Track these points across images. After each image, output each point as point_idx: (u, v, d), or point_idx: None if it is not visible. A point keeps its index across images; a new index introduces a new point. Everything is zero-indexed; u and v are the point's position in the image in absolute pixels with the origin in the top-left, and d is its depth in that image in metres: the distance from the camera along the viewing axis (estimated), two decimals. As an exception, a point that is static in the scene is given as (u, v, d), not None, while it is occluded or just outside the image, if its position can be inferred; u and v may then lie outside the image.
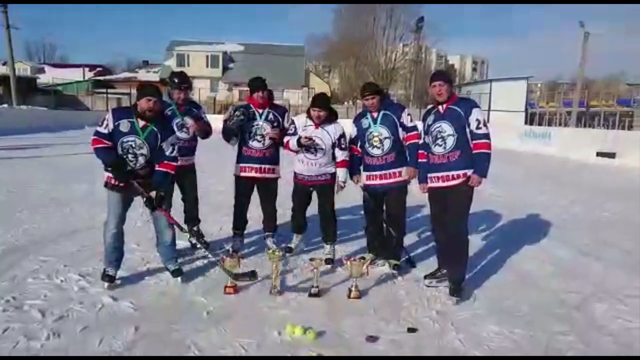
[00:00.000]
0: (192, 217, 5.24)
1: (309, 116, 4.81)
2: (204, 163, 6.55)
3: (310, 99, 4.92)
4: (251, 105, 4.99)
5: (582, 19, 30.26)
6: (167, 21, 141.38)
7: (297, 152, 4.86)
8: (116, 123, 4.05)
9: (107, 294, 3.96)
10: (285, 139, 4.91)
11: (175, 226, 4.36)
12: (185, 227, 4.81)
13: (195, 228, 5.24)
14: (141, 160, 4.12)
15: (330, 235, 5.04)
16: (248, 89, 5.06)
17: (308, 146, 4.73)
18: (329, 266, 4.77)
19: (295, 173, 4.98)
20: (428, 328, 3.56)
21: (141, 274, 4.51)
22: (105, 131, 4.04)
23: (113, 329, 3.38)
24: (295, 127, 4.90)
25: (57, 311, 3.62)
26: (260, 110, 4.98)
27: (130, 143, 4.07)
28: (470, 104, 4.17)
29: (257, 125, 4.96)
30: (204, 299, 3.98)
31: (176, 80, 4.90)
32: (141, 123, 4.08)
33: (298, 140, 4.73)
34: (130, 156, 4.08)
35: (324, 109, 4.74)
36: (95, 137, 4.07)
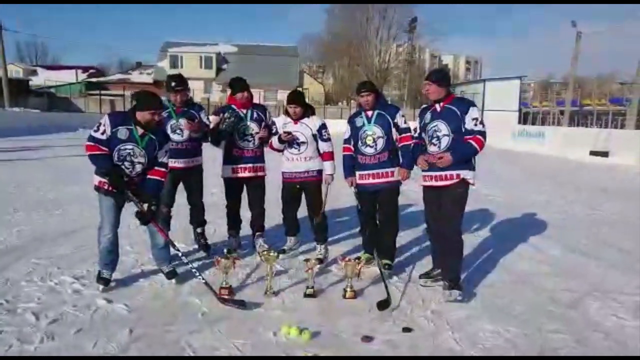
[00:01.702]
0: (198, 220, 5.21)
1: (287, 114, 4.89)
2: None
3: (287, 95, 4.98)
4: (233, 106, 5.01)
5: (573, 18, 30.44)
6: (161, 22, 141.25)
7: (281, 150, 4.93)
8: (114, 130, 3.96)
9: (101, 297, 3.94)
10: (270, 140, 4.97)
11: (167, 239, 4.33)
12: (177, 247, 4.77)
13: (199, 230, 5.22)
14: (138, 168, 4.07)
15: (320, 235, 5.05)
16: (242, 85, 5.04)
17: (290, 141, 4.80)
18: (324, 266, 4.78)
19: (283, 173, 5.02)
20: (423, 327, 3.56)
21: (135, 276, 4.50)
22: (103, 137, 3.94)
23: (107, 332, 3.36)
24: (276, 127, 4.96)
25: (51, 314, 3.60)
26: (244, 110, 5.01)
27: (128, 151, 4.00)
28: (468, 104, 4.17)
29: (246, 125, 4.99)
30: (199, 300, 3.96)
31: (172, 84, 4.88)
32: (140, 131, 4.01)
33: (279, 137, 4.80)
34: (126, 164, 4.02)
35: (299, 104, 4.83)
36: (90, 142, 3.95)
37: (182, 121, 4.90)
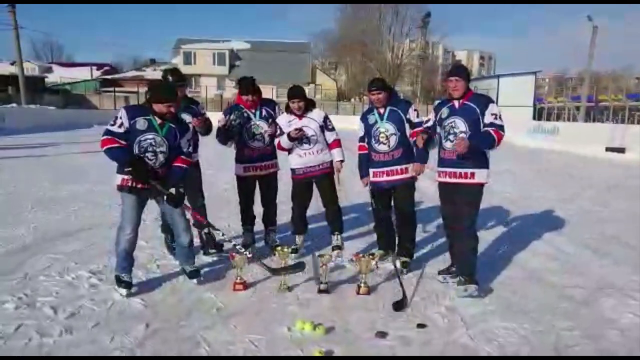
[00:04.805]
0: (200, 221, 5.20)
1: (289, 111, 4.88)
2: (209, 158, 6.56)
3: (287, 94, 4.96)
4: (242, 106, 4.99)
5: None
6: (161, 22, 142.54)
7: (290, 149, 4.92)
8: (132, 121, 3.90)
9: (117, 291, 3.99)
10: (276, 141, 4.95)
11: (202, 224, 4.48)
12: (213, 226, 4.82)
13: (205, 230, 5.20)
14: (161, 158, 4.00)
15: (337, 226, 5.08)
16: (248, 87, 5.00)
17: (300, 138, 4.80)
18: (337, 256, 4.81)
19: (293, 170, 5.00)
20: (437, 323, 3.56)
21: (151, 271, 4.55)
22: (121, 130, 3.87)
23: (124, 326, 3.41)
24: (280, 128, 4.91)
25: (69, 308, 3.66)
26: (253, 110, 4.99)
27: (149, 141, 3.93)
28: (487, 100, 4.13)
29: (254, 124, 4.97)
30: (214, 295, 4.00)
31: (171, 79, 4.75)
32: (158, 120, 3.97)
33: (288, 135, 4.78)
34: (149, 154, 3.95)
35: (302, 99, 4.83)
36: (107, 136, 3.86)
37: (187, 117, 4.87)
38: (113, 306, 3.75)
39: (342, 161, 4.97)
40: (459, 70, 4.17)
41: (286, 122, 4.89)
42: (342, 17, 58.13)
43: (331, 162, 4.97)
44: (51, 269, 4.47)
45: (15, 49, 32.12)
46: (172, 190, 4.02)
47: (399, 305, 3.80)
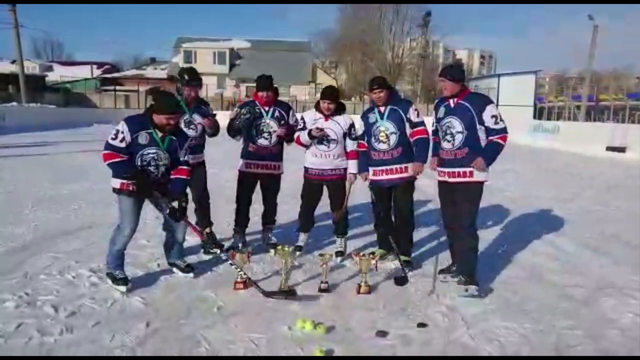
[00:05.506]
0: (203, 220, 5.16)
1: (318, 109, 4.85)
2: (215, 157, 6.55)
3: (320, 91, 4.92)
4: (256, 102, 5.01)
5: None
6: (169, 19, 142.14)
7: (308, 146, 4.88)
8: (134, 136, 3.89)
9: (118, 290, 3.99)
10: (296, 135, 4.91)
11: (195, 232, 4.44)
12: (206, 236, 4.88)
13: (207, 230, 5.20)
14: (162, 169, 4.05)
15: (341, 228, 5.07)
16: (255, 85, 5.10)
17: (320, 138, 4.77)
18: (339, 261, 4.81)
19: (306, 168, 4.98)
20: (438, 323, 3.56)
21: (151, 270, 4.55)
22: (122, 145, 3.87)
23: (124, 325, 3.41)
24: (304, 122, 4.89)
25: (70, 307, 3.66)
26: (266, 108, 5.00)
27: (152, 155, 3.97)
28: (483, 101, 4.14)
29: (264, 122, 4.98)
30: (214, 294, 4.00)
31: (187, 78, 4.77)
32: (160, 133, 3.97)
33: (309, 133, 4.75)
34: (151, 167, 4.00)
35: (334, 100, 4.79)
36: (109, 151, 3.88)
37: (198, 118, 4.89)
38: (113, 305, 3.75)
39: (355, 174, 4.91)
40: (445, 72, 4.20)
41: (311, 119, 4.87)
42: (343, 16, 58.03)
43: (345, 169, 4.92)
44: (51, 268, 4.47)
45: (16, 47, 32.08)
46: (175, 204, 4.06)
47: (401, 281, 4.29)
